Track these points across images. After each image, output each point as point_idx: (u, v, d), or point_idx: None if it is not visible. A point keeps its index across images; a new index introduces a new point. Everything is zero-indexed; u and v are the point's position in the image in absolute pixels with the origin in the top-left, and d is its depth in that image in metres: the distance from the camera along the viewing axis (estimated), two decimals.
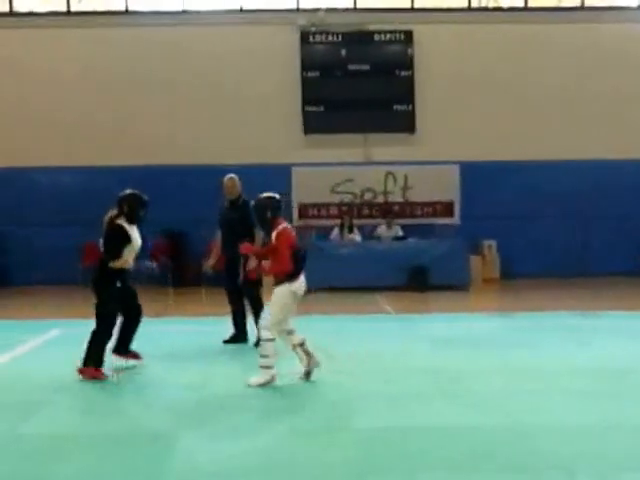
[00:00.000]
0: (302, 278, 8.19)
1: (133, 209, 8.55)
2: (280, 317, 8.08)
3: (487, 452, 5.82)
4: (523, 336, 11.03)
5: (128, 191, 8.79)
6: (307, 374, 8.18)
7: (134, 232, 8.57)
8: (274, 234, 8.09)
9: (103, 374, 8.26)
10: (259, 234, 9.89)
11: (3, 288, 17.67)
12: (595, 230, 19.10)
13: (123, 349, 8.86)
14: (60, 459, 5.83)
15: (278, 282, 8.08)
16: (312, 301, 16.23)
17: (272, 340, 7.98)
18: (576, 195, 19.02)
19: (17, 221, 18.40)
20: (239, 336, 10.52)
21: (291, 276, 8.05)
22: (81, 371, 8.24)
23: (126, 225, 8.48)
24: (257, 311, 9.88)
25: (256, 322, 9.25)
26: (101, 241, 8.50)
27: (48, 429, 6.62)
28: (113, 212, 8.54)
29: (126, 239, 8.40)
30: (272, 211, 8.28)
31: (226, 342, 10.41)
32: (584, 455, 5.77)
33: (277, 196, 8.46)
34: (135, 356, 8.95)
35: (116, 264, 8.38)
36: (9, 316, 13.80)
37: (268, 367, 7.95)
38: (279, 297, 8.07)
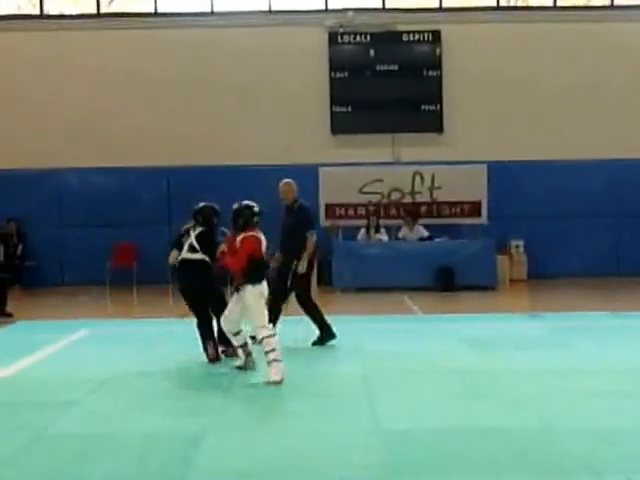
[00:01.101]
0: (264, 284, 8.56)
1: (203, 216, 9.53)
2: (263, 315, 8.45)
3: (518, 454, 5.79)
4: (554, 336, 10.99)
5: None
6: (239, 368, 8.80)
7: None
8: (239, 238, 8.51)
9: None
10: (312, 237, 10.10)
11: (34, 289, 17.86)
12: (625, 229, 18.95)
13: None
14: (90, 459, 5.87)
15: (241, 282, 8.46)
16: (339, 301, 16.36)
17: (273, 335, 8.31)
18: (606, 194, 18.89)
19: (48, 222, 18.57)
20: (326, 334, 10.43)
21: (254, 279, 8.42)
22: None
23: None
24: (311, 314, 10.43)
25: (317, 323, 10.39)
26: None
27: (78, 429, 6.68)
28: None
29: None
30: (244, 219, 8.60)
31: (314, 344, 10.35)
32: (616, 457, 5.71)
33: (255, 207, 8.74)
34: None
35: None
36: (39, 316, 13.97)
37: (277, 360, 8.16)
38: (254, 299, 8.40)
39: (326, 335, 10.36)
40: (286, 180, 10.61)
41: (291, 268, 10.06)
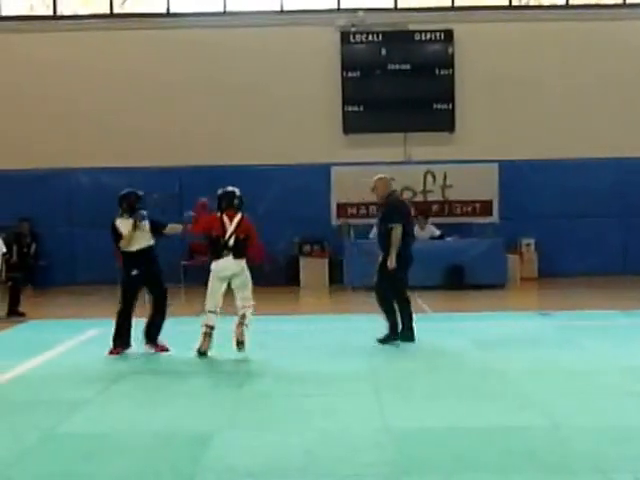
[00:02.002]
0: (222, 262, 9.56)
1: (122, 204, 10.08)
2: (208, 295, 9.65)
3: (526, 453, 5.79)
4: (564, 335, 10.99)
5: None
6: (200, 353, 9.47)
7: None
8: (239, 218, 9.83)
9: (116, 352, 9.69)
10: (395, 231, 10.12)
11: (46, 288, 17.95)
12: (636, 228, 18.86)
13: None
14: (100, 458, 5.91)
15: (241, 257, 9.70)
16: (350, 300, 16.38)
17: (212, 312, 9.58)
18: (616, 193, 18.83)
19: (60, 222, 18.66)
20: (403, 334, 10.34)
21: (212, 258, 9.71)
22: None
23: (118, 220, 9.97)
24: (403, 308, 10.45)
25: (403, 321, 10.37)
26: None
27: (87, 428, 6.71)
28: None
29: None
30: (240, 201, 9.93)
31: (380, 341, 10.29)
32: (624, 457, 5.70)
33: (220, 193, 9.94)
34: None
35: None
36: (51, 316, 14.05)
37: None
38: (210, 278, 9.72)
39: (391, 336, 10.32)
40: (379, 175, 10.47)
41: (386, 264, 10.12)
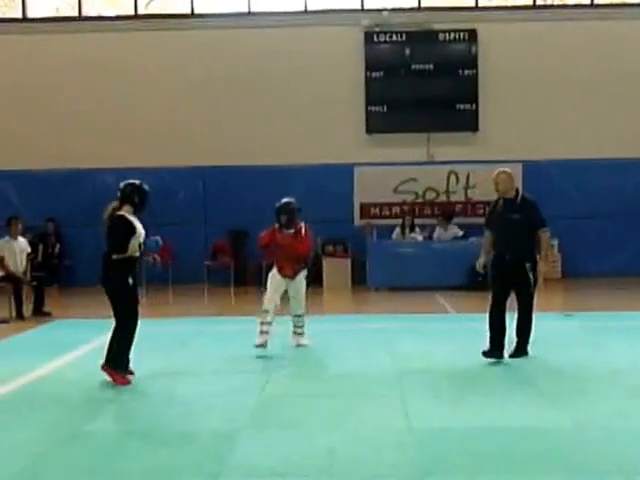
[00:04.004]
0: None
1: (142, 199, 8.40)
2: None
3: (549, 453, 5.79)
4: (589, 336, 10.97)
5: (134, 182, 8.56)
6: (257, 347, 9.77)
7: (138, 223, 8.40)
8: (302, 227, 10.04)
9: (127, 380, 8.11)
10: (547, 235, 9.40)
11: (71, 288, 18.08)
12: None
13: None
14: (125, 456, 5.95)
15: (301, 268, 10.12)
16: (373, 300, 16.39)
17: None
18: None
19: (85, 222, 18.73)
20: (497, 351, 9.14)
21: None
22: (106, 369, 8.17)
23: (130, 216, 8.29)
24: (524, 320, 9.27)
25: (518, 334, 9.25)
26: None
27: (112, 427, 6.78)
28: (115, 204, 8.36)
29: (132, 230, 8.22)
30: (295, 214, 9.99)
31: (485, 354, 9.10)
32: None
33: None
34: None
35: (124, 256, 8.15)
36: (75, 315, 14.16)
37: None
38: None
39: (522, 350, 9.28)
40: (503, 169, 9.34)
41: (527, 270, 9.04)
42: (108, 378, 8.10)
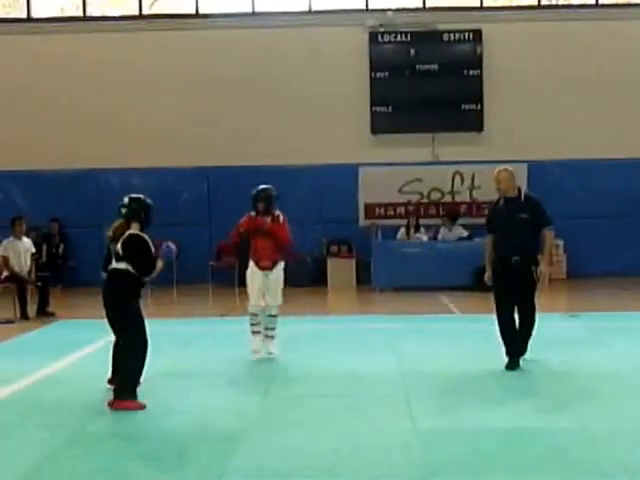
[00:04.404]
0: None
1: (149, 215, 7.72)
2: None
3: (554, 455, 5.77)
4: (594, 337, 10.94)
5: (138, 197, 7.80)
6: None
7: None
8: (278, 217, 9.63)
9: (141, 404, 7.30)
10: (552, 234, 9.04)
11: (75, 288, 18.07)
12: None
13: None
14: (129, 458, 5.96)
15: (277, 259, 9.59)
16: (377, 301, 16.37)
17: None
18: None
19: (89, 223, 18.76)
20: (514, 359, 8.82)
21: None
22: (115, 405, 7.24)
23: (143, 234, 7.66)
24: (527, 322, 8.90)
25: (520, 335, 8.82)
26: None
27: (117, 428, 6.75)
28: (121, 222, 7.64)
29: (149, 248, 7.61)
30: (273, 201, 9.55)
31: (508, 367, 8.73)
32: None
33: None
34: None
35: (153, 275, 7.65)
36: (79, 315, 14.14)
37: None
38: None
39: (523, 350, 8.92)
40: (504, 167, 9.04)
41: (532, 269, 8.70)
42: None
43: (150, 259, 7.53)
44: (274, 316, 9.51)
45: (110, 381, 7.78)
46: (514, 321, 8.82)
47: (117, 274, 7.49)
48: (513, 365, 8.64)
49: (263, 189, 9.46)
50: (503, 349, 8.80)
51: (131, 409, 7.14)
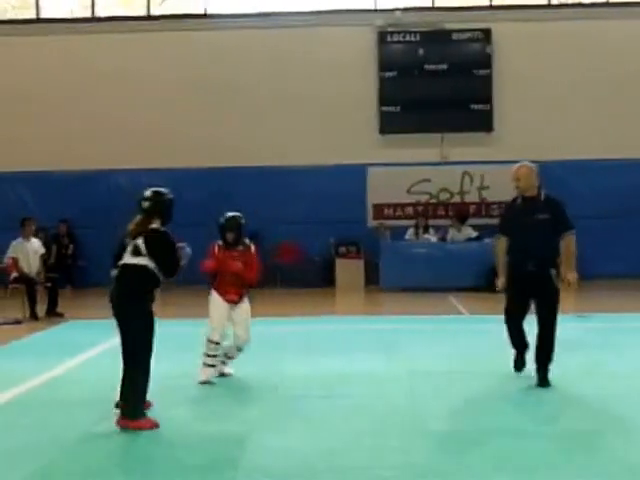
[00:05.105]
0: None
1: (171, 210, 7.30)
2: None
3: (562, 456, 5.74)
4: (604, 338, 10.90)
5: (160, 191, 7.38)
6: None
7: None
8: (251, 249, 8.57)
9: (153, 422, 6.70)
10: (573, 239, 8.07)
11: (84, 289, 18.11)
12: None
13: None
14: (138, 457, 5.96)
15: (245, 293, 8.57)
16: (385, 301, 16.34)
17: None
18: None
19: (98, 223, 18.79)
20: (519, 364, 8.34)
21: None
22: (124, 424, 6.61)
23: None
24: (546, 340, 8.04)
25: (540, 358, 7.98)
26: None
27: (123, 429, 6.74)
28: (141, 218, 7.15)
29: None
30: (242, 231, 8.53)
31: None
32: None
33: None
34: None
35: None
36: (89, 316, 14.15)
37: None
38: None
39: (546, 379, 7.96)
40: (524, 163, 8.26)
41: (552, 278, 7.93)
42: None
43: (176, 258, 6.95)
44: (242, 350, 8.58)
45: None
46: (523, 332, 8.22)
47: (133, 269, 6.83)
48: (519, 366, 8.27)
49: (232, 217, 8.45)
50: (513, 351, 8.42)
51: (145, 429, 6.54)
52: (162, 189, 7.35)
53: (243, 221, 8.48)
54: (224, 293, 8.38)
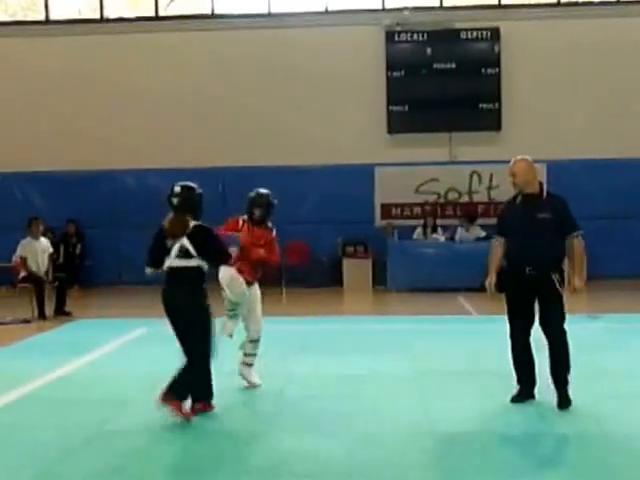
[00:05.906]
0: None
1: (201, 204, 7.27)
2: None
3: (571, 459, 5.75)
4: (614, 338, 10.87)
5: (191, 186, 7.26)
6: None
7: None
8: (271, 231, 8.26)
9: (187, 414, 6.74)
10: (580, 242, 7.28)
11: (92, 288, 18.14)
12: None
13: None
14: (146, 456, 5.98)
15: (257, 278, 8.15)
16: (393, 301, 16.31)
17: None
18: None
19: (105, 223, 18.82)
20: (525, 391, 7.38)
21: None
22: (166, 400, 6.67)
23: None
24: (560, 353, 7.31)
25: (556, 376, 7.23)
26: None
27: (134, 426, 6.74)
28: (178, 215, 7.02)
29: None
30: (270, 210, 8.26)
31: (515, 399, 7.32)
32: None
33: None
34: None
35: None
36: (96, 315, 14.19)
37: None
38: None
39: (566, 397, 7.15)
40: (521, 157, 7.65)
41: (555, 282, 7.17)
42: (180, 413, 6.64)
43: (225, 249, 7.02)
44: (255, 341, 8.04)
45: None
46: (531, 352, 7.40)
47: (186, 271, 6.80)
48: (516, 398, 7.27)
49: (264, 194, 8.25)
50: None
51: (178, 414, 6.60)
52: (190, 183, 7.20)
53: (275, 201, 8.24)
54: (239, 271, 7.77)
